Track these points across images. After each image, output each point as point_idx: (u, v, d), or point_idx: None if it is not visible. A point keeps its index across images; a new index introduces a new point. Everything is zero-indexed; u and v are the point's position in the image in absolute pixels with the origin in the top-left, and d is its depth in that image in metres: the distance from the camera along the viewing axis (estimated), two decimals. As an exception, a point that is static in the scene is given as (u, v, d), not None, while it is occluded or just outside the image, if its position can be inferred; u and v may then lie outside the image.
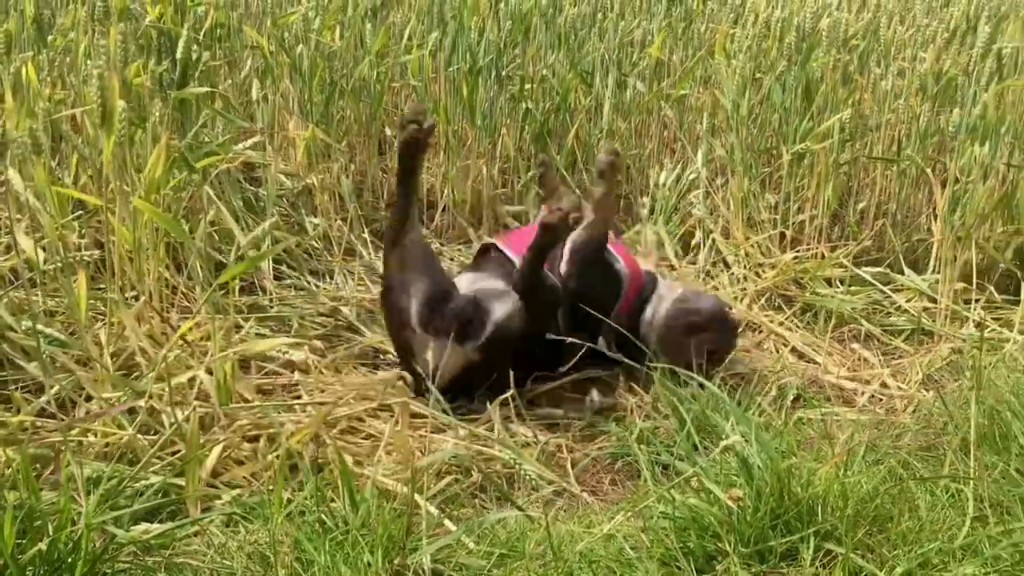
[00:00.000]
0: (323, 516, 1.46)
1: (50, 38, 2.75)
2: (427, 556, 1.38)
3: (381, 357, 2.72)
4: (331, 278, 3.07)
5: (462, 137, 3.56)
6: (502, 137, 3.56)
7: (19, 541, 1.31)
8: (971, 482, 1.60)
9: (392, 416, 2.14)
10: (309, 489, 1.48)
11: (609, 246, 2.56)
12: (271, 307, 2.81)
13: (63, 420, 1.93)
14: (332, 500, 1.52)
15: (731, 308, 2.65)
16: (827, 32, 3.24)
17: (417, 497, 1.49)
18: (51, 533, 1.30)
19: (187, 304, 2.54)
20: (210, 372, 1.95)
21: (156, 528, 1.48)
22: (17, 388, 2.00)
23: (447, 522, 1.56)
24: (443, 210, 3.51)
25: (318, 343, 2.59)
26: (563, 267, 2.47)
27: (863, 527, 1.47)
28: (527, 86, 3.56)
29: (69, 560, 1.31)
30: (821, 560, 1.43)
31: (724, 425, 1.73)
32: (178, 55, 2.22)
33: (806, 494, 1.48)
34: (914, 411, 2.25)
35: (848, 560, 1.39)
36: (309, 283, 2.99)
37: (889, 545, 1.47)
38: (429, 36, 3.53)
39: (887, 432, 1.97)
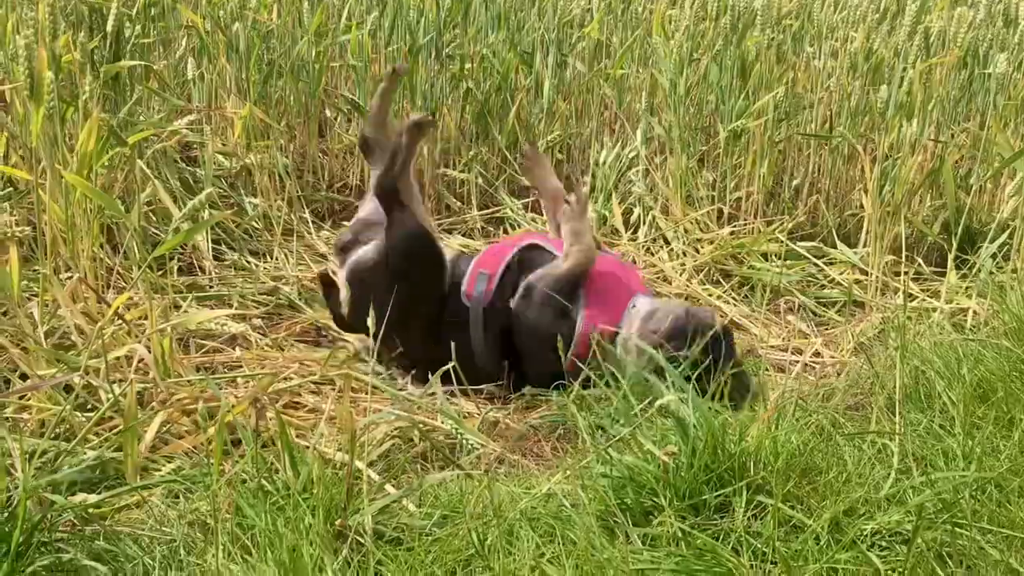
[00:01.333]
0: (264, 482, 1.46)
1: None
2: (368, 517, 1.40)
3: (323, 334, 2.72)
4: (271, 257, 3.05)
5: (403, 117, 3.55)
6: (443, 117, 3.56)
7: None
8: (896, 437, 1.66)
9: (335, 390, 2.15)
10: (249, 455, 1.48)
11: (580, 289, 2.27)
12: (210, 287, 2.79)
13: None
14: (275, 469, 1.52)
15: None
16: (761, 12, 3.30)
17: (358, 463, 1.51)
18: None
19: (123, 284, 2.51)
20: (148, 348, 1.93)
21: (95, 498, 1.47)
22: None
23: (388, 487, 1.58)
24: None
25: (258, 320, 2.58)
26: (516, 297, 2.30)
27: (793, 480, 1.52)
28: (467, 66, 3.57)
29: (5, 529, 1.29)
30: (753, 511, 1.48)
31: (660, 387, 1.76)
32: (108, 27, 2.18)
33: (738, 449, 1.52)
34: (843, 375, 2.32)
35: (778, 510, 1.43)
36: (249, 263, 2.97)
37: (817, 496, 1.52)
38: (368, 16, 3.52)
39: (817, 392, 2.03)
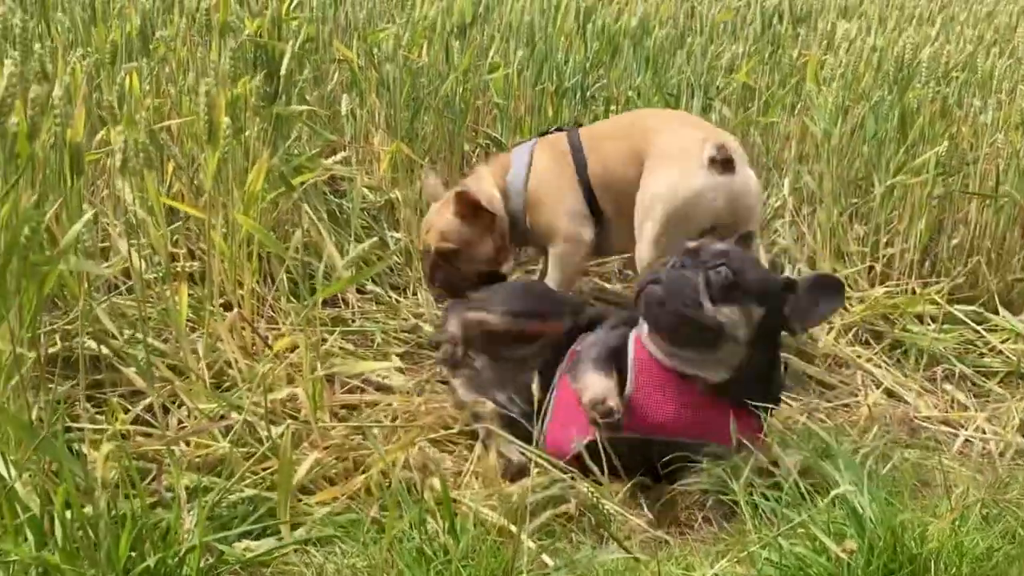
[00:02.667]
0: (423, 544, 1.45)
1: (151, 46, 2.81)
2: (529, 593, 1.37)
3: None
4: (412, 293, 3.07)
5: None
6: (585, 158, 3.53)
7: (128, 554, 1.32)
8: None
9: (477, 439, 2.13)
10: (411, 517, 1.47)
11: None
12: (353, 320, 2.83)
13: (157, 427, 1.96)
14: (432, 529, 1.50)
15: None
16: (927, 63, 3.16)
17: (514, 528, 1.48)
18: (161, 549, 1.31)
19: (272, 314, 2.56)
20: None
21: (258, 545, 1.48)
22: (112, 391, 2.03)
23: (545, 556, 1.54)
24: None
25: (397, 359, 2.59)
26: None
27: (980, 587, 1.42)
28: (612, 108, 3.54)
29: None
30: (936, 620, 1.38)
31: (831, 470, 1.68)
32: (281, 72, 2.24)
33: (920, 550, 1.42)
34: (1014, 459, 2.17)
35: (967, 622, 1.33)
36: (391, 297, 3.00)
37: (1008, 608, 1.41)
38: (516, 55, 3.53)
39: (992, 482, 1.90)
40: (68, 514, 1.33)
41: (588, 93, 3.51)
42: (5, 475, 1.34)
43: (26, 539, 1.33)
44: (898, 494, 1.62)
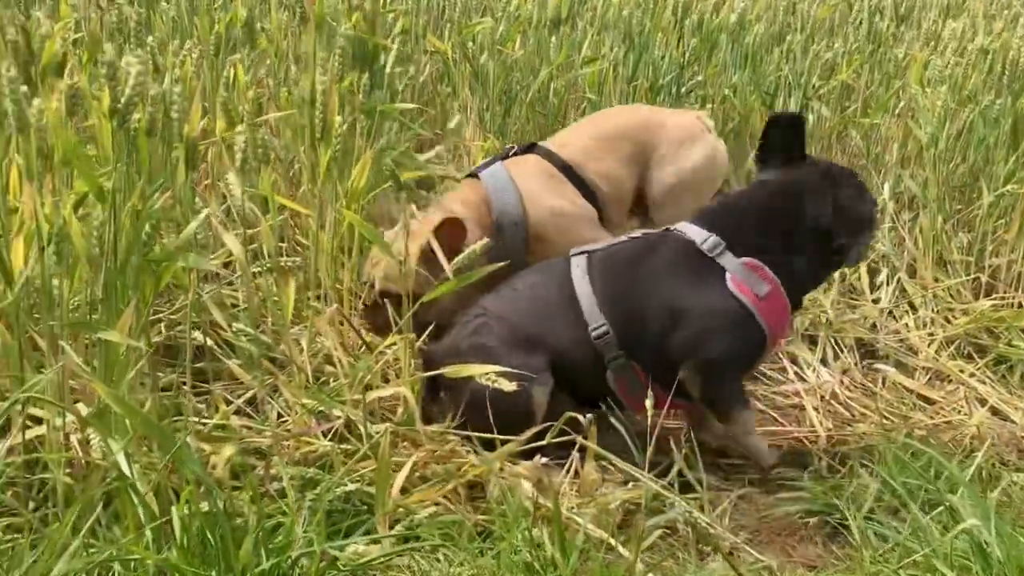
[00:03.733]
0: (532, 558, 1.43)
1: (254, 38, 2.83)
2: (641, 614, 1.34)
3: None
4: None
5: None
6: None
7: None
8: None
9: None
10: (520, 530, 1.45)
11: None
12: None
13: (255, 419, 1.98)
14: (538, 543, 1.48)
15: None
16: (1045, 67, 3.02)
17: (624, 551, 1.45)
18: (275, 553, 1.31)
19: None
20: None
21: (367, 550, 1.49)
22: (215, 382, 2.06)
23: (650, 575, 1.51)
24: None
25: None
26: None
27: (1117, 634, 1.35)
28: (707, 105, 3.47)
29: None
30: (1069, 666, 1.32)
31: (947, 496, 1.61)
32: (387, 69, 2.24)
33: (1052, 590, 1.36)
34: None
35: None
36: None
37: None
38: (611, 50, 3.48)
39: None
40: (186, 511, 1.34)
41: (684, 90, 3.44)
42: (128, 472, 1.36)
43: (144, 537, 1.35)
44: (1019, 526, 1.55)
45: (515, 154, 2.60)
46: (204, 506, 1.37)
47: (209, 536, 1.33)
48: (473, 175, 2.55)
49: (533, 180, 2.51)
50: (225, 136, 2.16)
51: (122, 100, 1.57)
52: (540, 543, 1.45)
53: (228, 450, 1.51)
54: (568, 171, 2.56)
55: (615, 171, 2.62)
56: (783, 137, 2.20)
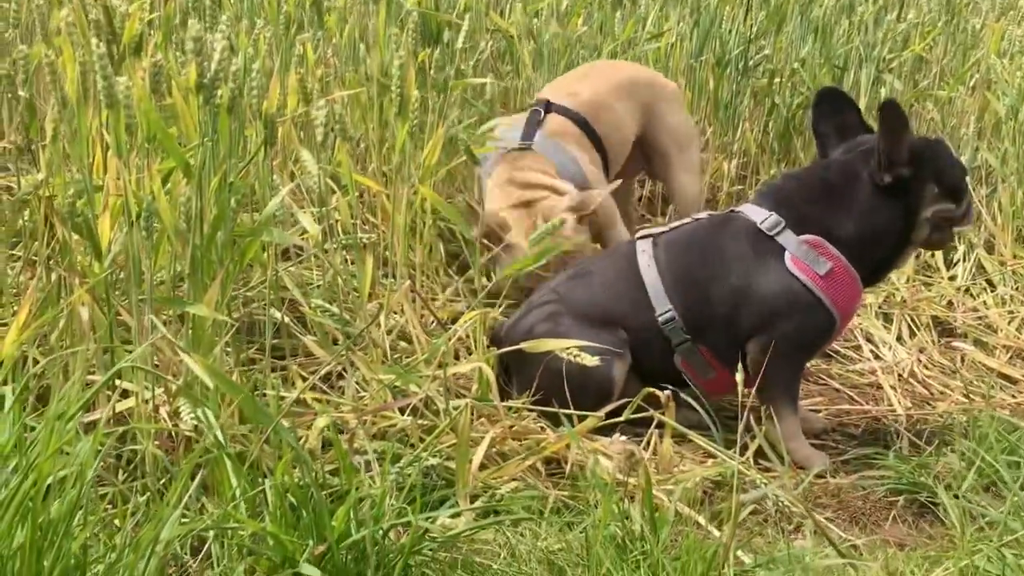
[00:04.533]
0: (623, 534, 1.42)
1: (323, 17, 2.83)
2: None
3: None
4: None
5: (702, 130, 3.44)
6: (743, 132, 3.42)
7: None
8: None
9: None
10: (606, 504, 1.44)
11: None
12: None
13: (331, 395, 1.99)
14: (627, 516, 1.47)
15: None
16: None
17: (714, 529, 1.43)
18: (368, 523, 1.32)
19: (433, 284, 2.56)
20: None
21: (456, 523, 1.49)
22: (293, 358, 2.08)
23: (740, 553, 1.49)
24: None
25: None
26: None
27: None
28: (775, 80, 3.40)
29: (386, 548, 1.32)
30: None
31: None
32: (459, 44, 2.22)
33: None
34: None
35: None
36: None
37: None
38: (677, 25, 3.43)
39: None
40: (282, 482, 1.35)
41: (751, 64, 3.38)
42: (221, 441, 1.37)
43: (239, 508, 1.36)
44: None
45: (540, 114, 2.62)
46: (296, 478, 1.37)
47: (302, 508, 1.34)
48: (524, 147, 2.56)
49: (574, 147, 2.58)
50: (299, 114, 2.17)
51: (207, 76, 1.58)
52: (629, 516, 1.44)
53: (322, 421, 1.52)
54: (585, 126, 2.63)
55: (623, 122, 2.69)
56: (833, 114, 2.17)
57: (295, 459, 1.38)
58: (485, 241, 2.25)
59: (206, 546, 1.35)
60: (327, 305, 1.96)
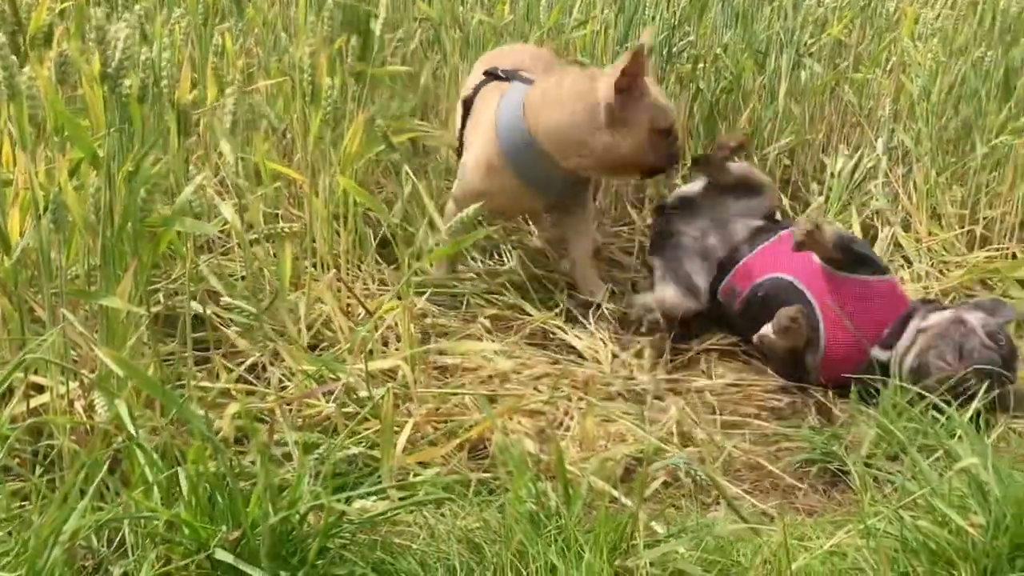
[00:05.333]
0: (538, 509, 1.45)
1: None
2: (646, 561, 1.36)
3: (550, 338, 2.70)
4: (496, 255, 3.06)
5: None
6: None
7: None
8: None
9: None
10: (522, 481, 1.47)
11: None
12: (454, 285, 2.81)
13: (257, 386, 1.99)
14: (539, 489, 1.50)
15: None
16: (1035, 16, 3.02)
17: (627, 500, 1.47)
18: (284, 507, 1.33)
19: (358, 272, 2.56)
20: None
21: (373, 505, 1.50)
22: (216, 350, 2.07)
23: (655, 524, 1.53)
24: (603, 190, 3.45)
25: (486, 321, 2.58)
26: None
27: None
28: (699, 65, 3.45)
29: (302, 532, 1.33)
30: (1069, 599, 1.34)
31: (945, 440, 1.63)
32: (376, 31, 2.22)
33: (1049, 525, 1.38)
34: None
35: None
36: (476, 258, 2.99)
37: None
38: (602, 12, 3.46)
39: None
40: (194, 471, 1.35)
41: (674, 50, 3.43)
42: (132, 432, 1.37)
43: (153, 496, 1.36)
44: (1017, 468, 1.57)
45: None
46: (211, 466, 1.38)
47: (217, 494, 1.35)
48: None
49: None
50: (219, 104, 2.16)
51: (112, 65, 1.56)
52: (544, 493, 1.47)
53: (232, 408, 1.52)
54: None
55: None
56: None
57: (211, 447, 1.38)
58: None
59: (119, 536, 1.35)
60: (239, 302, 1.96)
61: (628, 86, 2.27)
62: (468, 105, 2.62)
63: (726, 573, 1.40)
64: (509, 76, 2.58)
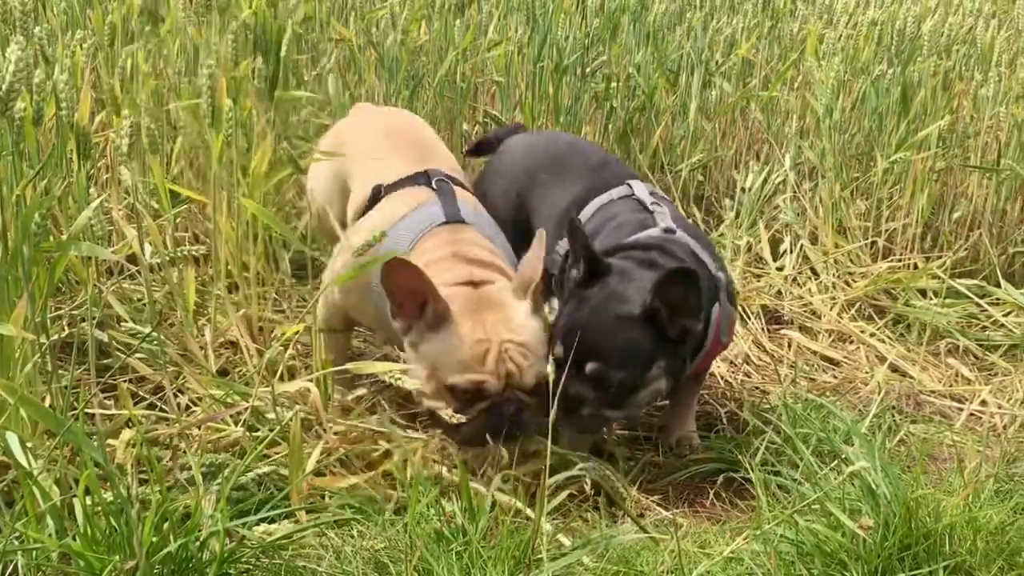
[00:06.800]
0: (441, 526, 1.45)
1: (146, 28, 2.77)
2: (549, 572, 1.37)
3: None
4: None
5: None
6: (585, 135, 3.52)
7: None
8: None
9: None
10: (428, 499, 1.48)
11: None
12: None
13: (166, 412, 1.96)
14: (450, 513, 1.51)
15: None
16: (929, 36, 3.15)
17: (532, 512, 1.48)
18: (182, 534, 1.31)
19: (276, 298, 2.55)
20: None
21: (276, 528, 1.49)
22: (122, 377, 2.03)
23: (561, 536, 1.55)
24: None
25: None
26: None
27: (995, 561, 1.43)
28: (612, 84, 3.52)
29: (201, 560, 1.32)
30: (952, 594, 1.39)
31: (841, 446, 1.69)
32: (282, 53, 2.21)
33: (935, 526, 1.43)
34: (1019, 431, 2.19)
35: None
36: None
37: (1023, 581, 1.42)
38: (516, 32, 3.51)
39: (1001, 456, 1.92)
40: (89, 500, 1.33)
41: (588, 70, 3.49)
42: (25, 463, 1.34)
43: (47, 527, 1.33)
44: (910, 470, 1.63)
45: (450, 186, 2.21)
46: (107, 495, 1.35)
47: (113, 523, 1.32)
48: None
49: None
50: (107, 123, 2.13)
51: (3, 88, 1.53)
52: (451, 512, 1.47)
53: (127, 434, 1.50)
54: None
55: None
56: None
57: (109, 475, 1.35)
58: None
59: (11, 565, 1.31)
60: (139, 328, 1.93)
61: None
62: (377, 194, 2.18)
63: (626, 581, 1.42)
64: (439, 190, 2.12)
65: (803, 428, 1.91)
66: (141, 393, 2.04)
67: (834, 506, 1.47)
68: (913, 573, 1.40)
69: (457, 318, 1.79)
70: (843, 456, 1.68)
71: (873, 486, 1.48)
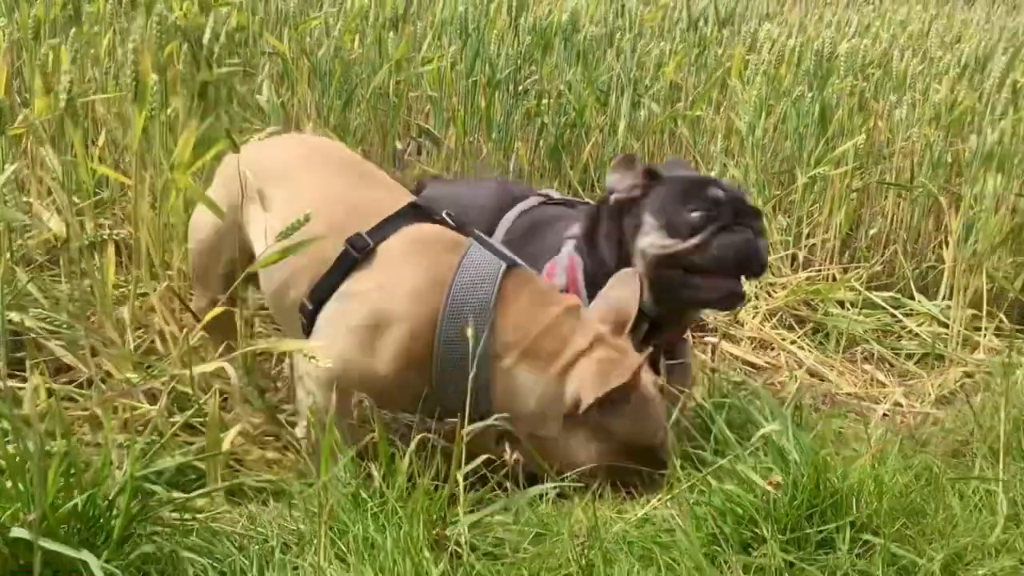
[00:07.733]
0: (360, 490, 1.45)
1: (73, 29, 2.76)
2: (465, 529, 1.37)
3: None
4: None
5: (477, 150, 3.58)
6: (516, 151, 3.58)
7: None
8: (1001, 483, 1.60)
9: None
10: (344, 462, 1.47)
11: None
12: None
13: (84, 399, 1.92)
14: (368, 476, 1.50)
15: None
16: (845, 58, 3.28)
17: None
18: (90, 487, 1.28)
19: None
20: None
21: (193, 493, 1.46)
22: (37, 368, 1.98)
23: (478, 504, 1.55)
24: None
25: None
26: None
27: (898, 520, 1.47)
28: (544, 101, 3.59)
29: (108, 516, 1.29)
30: (857, 550, 1.43)
31: (758, 417, 1.73)
32: (205, 40, 2.21)
33: (842, 485, 1.47)
34: (932, 424, 2.26)
35: (886, 550, 1.38)
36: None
37: (924, 539, 1.46)
38: (449, 48, 3.56)
39: (914, 437, 1.98)
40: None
41: (520, 87, 3.56)
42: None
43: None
44: (821, 439, 1.67)
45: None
46: (11, 449, 1.32)
47: (15, 477, 1.29)
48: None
49: None
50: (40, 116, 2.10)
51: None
52: (369, 473, 1.47)
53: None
54: None
55: None
56: None
57: (12, 428, 1.32)
58: None
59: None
60: (56, 315, 1.90)
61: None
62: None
63: (542, 539, 1.43)
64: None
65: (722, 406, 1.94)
66: (60, 383, 1.99)
67: (746, 468, 1.50)
68: (821, 529, 1.43)
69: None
70: (759, 429, 1.71)
71: (784, 452, 1.51)
